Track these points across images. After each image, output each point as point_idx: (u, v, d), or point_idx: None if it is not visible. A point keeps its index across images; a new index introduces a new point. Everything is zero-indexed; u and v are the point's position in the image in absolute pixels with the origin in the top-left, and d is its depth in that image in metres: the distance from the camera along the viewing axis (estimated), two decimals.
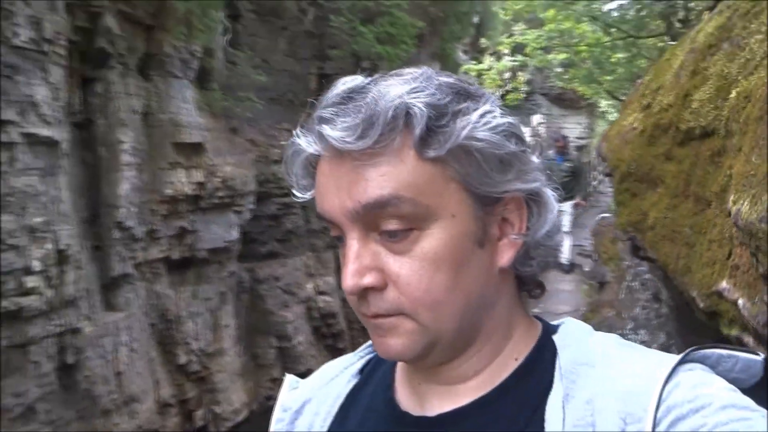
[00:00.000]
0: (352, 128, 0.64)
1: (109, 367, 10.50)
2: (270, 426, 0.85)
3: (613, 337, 0.73)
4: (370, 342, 0.86)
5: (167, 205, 11.48)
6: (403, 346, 0.69)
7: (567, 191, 8.32)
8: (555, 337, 0.74)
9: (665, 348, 2.36)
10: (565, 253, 8.13)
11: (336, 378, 0.87)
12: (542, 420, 0.67)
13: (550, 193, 0.73)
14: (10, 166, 7.88)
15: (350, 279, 0.65)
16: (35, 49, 7.99)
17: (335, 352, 14.46)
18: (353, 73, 0.73)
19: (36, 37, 7.96)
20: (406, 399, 0.79)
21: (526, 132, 29.40)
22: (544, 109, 30.70)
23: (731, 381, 0.62)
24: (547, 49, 12.73)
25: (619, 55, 9.62)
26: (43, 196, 8.57)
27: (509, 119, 0.68)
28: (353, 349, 1.04)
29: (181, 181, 11.33)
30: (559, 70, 13.57)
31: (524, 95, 26.24)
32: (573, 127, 30.41)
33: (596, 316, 4.82)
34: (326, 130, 0.64)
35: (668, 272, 1.85)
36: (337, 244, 0.73)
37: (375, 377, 0.85)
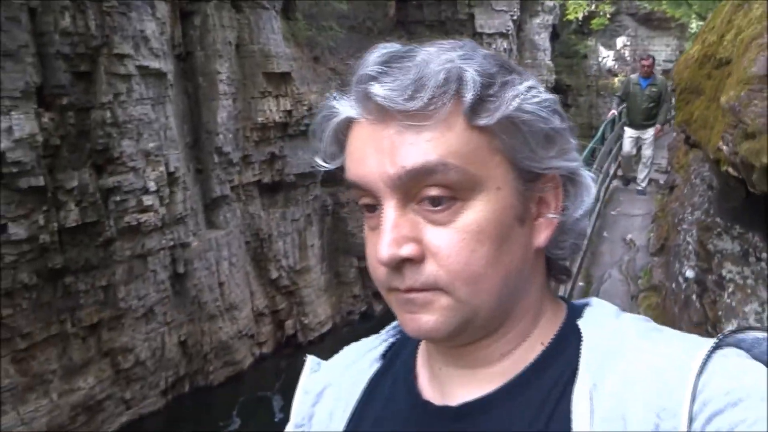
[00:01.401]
0: (402, 88, 0.59)
1: (213, 278, 11.74)
2: (291, 408, 0.83)
3: (641, 320, 0.68)
4: (392, 325, 0.85)
5: (259, 132, 12.30)
6: (437, 323, 0.63)
7: (650, 118, 8.19)
8: (580, 322, 0.70)
9: (708, 222, 2.85)
10: (642, 181, 8.25)
11: (358, 362, 0.82)
12: (568, 412, 0.62)
13: (587, 175, 0.70)
14: (128, 96, 8.78)
15: (387, 249, 0.61)
16: None
17: None
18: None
19: None
20: (427, 385, 0.74)
21: (611, 54, 27.88)
22: (631, 30, 29.09)
23: (767, 364, 0.59)
24: None
25: None
26: (155, 124, 9.50)
27: (553, 96, 0.67)
28: None
29: (271, 109, 12.06)
30: None
31: (609, 16, 25.04)
32: (661, 50, 28.77)
33: (664, 212, 5.42)
34: (374, 88, 0.60)
35: (702, 147, 2.58)
36: (364, 214, 0.68)
37: (397, 362, 0.80)
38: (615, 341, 0.66)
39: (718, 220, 2.85)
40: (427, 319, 0.64)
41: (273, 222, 13.44)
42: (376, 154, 0.63)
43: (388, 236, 0.62)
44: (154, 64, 9.10)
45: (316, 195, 14.52)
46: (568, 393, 0.64)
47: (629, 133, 8.39)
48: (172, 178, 10.03)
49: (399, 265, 0.63)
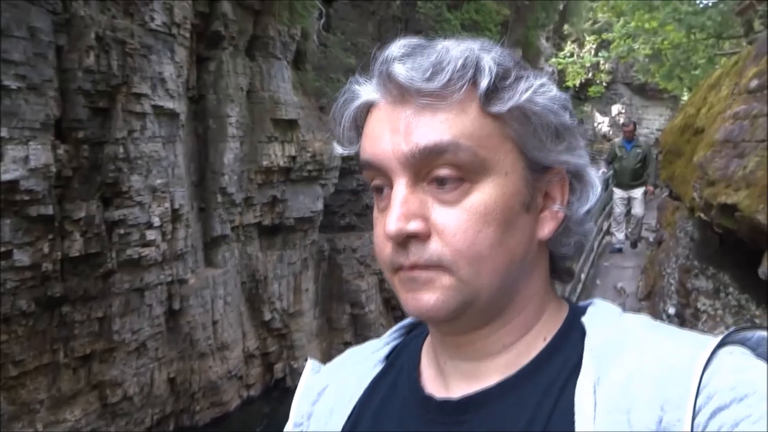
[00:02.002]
0: (422, 69, 0.62)
1: (207, 316, 11.78)
2: (291, 408, 0.83)
3: (644, 318, 0.68)
4: (395, 327, 0.86)
5: (262, 175, 12.59)
6: (438, 301, 0.64)
7: (637, 178, 8.59)
8: (584, 319, 0.70)
9: (688, 264, 3.37)
10: (633, 234, 8.64)
11: (361, 363, 0.82)
12: (571, 404, 0.62)
13: (593, 174, 0.71)
14: (141, 134, 9.09)
15: (395, 223, 0.62)
16: (166, 32, 9.12)
17: None
18: None
19: (167, 21, 9.09)
20: (431, 381, 0.74)
21: (606, 120, 28.80)
22: (626, 98, 30.14)
23: None
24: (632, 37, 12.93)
25: (700, 58, 9.80)
26: (164, 161, 9.78)
27: (565, 94, 0.69)
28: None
29: (276, 154, 12.40)
30: (641, 59, 13.62)
31: (605, 85, 25.97)
32: (654, 119, 29.76)
33: (652, 264, 5.91)
34: (396, 67, 0.62)
35: (682, 199, 3.20)
36: (375, 197, 0.69)
37: (400, 362, 0.79)
38: (619, 337, 0.65)
39: (695, 263, 3.26)
40: (429, 297, 0.65)
41: (270, 264, 13.59)
42: (392, 134, 0.65)
43: (396, 211, 0.63)
44: (169, 104, 9.46)
45: (314, 240, 14.72)
46: (571, 387, 0.64)
47: (618, 194, 8.76)
48: (176, 215, 10.25)
49: (405, 241, 0.64)
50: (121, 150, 8.80)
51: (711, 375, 0.58)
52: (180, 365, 11.43)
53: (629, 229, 8.63)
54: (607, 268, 8.29)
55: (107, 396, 10.09)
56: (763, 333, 0.64)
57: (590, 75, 23.08)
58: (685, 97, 15.12)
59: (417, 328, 0.84)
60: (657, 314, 4.30)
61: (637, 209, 8.36)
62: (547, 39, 27.58)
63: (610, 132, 28.30)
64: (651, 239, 8.80)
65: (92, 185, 8.76)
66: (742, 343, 0.63)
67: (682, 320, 3.48)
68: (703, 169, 2.51)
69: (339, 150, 0.75)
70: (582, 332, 0.69)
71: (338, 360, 0.89)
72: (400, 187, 0.65)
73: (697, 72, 10.16)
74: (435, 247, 0.64)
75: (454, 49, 0.64)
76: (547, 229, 0.70)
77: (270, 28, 11.70)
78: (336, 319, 15.65)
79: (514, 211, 0.66)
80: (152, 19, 8.80)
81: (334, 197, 15.33)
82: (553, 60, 20.32)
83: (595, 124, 29.25)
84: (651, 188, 8.37)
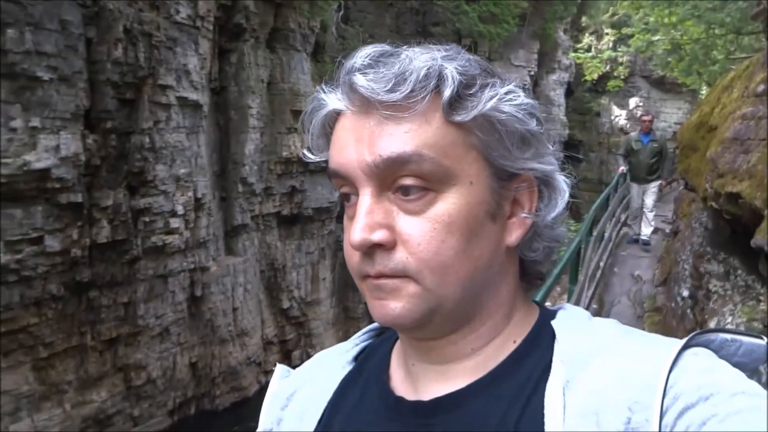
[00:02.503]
0: (384, 80, 0.62)
1: (227, 303, 12.07)
2: (260, 415, 0.84)
3: (613, 323, 0.70)
4: (365, 330, 0.87)
5: (282, 166, 12.82)
6: (403, 310, 0.65)
7: (652, 173, 8.62)
8: (554, 323, 0.71)
9: (701, 251, 3.65)
10: (646, 231, 8.68)
11: (330, 365, 0.82)
12: (541, 405, 0.63)
13: (562, 180, 0.72)
14: (166, 124, 9.34)
15: (359, 233, 0.63)
16: (191, 25, 9.34)
17: None
18: None
19: (192, 14, 9.30)
20: (400, 384, 0.75)
21: (623, 113, 28.54)
22: (644, 92, 29.92)
23: (734, 365, 0.62)
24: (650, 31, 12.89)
25: (719, 54, 9.79)
26: (188, 151, 10.03)
27: (532, 101, 0.70)
28: None
29: (296, 145, 12.61)
30: (660, 53, 13.56)
31: (623, 78, 25.85)
32: (672, 112, 29.51)
33: (668, 253, 6.55)
34: (358, 78, 0.63)
35: (696, 190, 3.50)
36: (345, 205, 0.70)
37: (370, 364, 0.80)
38: (589, 340, 0.67)
39: (708, 249, 3.52)
40: (395, 305, 0.65)
41: (288, 253, 13.83)
42: (356, 143, 0.65)
43: (361, 221, 0.64)
44: (193, 96, 9.69)
45: (331, 230, 14.95)
46: (541, 389, 0.65)
47: (635, 188, 8.82)
48: (198, 204, 10.50)
49: (371, 250, 0.65)
50: (147, 140, 9.05)
51: (677, 376, 0.60)
52: (201, 350, 11.74)
53: (645, 227, 8.68)
54: (625, 257, 8.53)
55: (132, 379, 10.42)
56: (726, 336, 0.66)
57: (608, 68, 23.01)
58: (704, 92, 15.08)
59: (387, 331, 0.84)
60: (672, 298, 4.61)
61: (649, 201, 8.41)
62: (565, 31, 27.46)
63: (628, 125, 28.15)
64: (667, 230, 8.92)
65: (119, 174, 9.03)
66: (706, 345, 0.65)
67: (695, 301, 3.83)
68: (714, 162, 2.83)
69: (309, 156, 0.75)
70: (552, 336, 0.70)
71: (307, 364, 0.87)
72: (365, 197, 0.65)
73: (715, 67, 10.16)
74: (400, 257, 0.65)
75: (417, 59, 0.65)
76: (515, 235, 0.71)
77: (290, 21, 11.88)
78: (352, 308, 15.87)
79: (479, 220, 0.67)
80: (177, 12, 9.01)
81: None
82: (573, 54, 20.29)
83: (612, 117, 29.12)
84: (663, 182, 8.39)
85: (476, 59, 0.69)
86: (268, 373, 13.77)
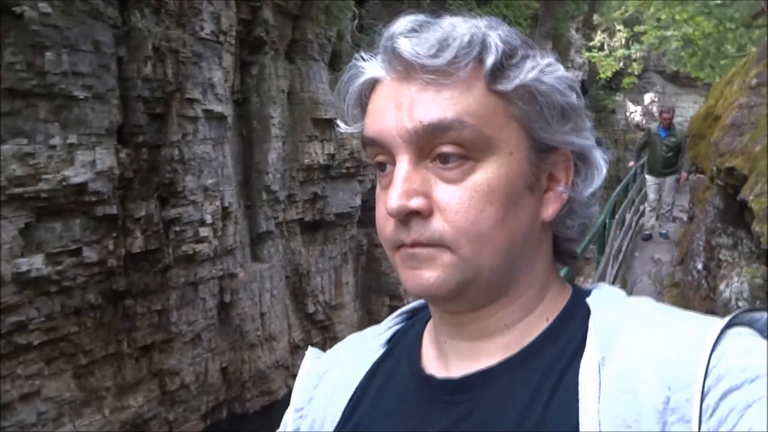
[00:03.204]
0: (427, 45, 0.61)
1: (255, 308, 12.39)
2: (292, 393, 0.84)
3: (649, 301, 0.69)
4: (397, 312, 0.87)
5: (304, 173, 13.14)
6: (438, 279, 0.64)
7: (668, 166, 8.72)
8: (588, 300, 0.70)
9: (712, 227, 4.18)
10: (662, 228, 8.85)
11: (362, 347, 0.82)
12: (574, 383, 0.62)
13: (599, 156, 0.71)
14: (194, 137, 9.69)
15: (397, 200, 0.61)
16: (214, 40, 9.69)
17: None
18: None
19: (215, 29, 9.65)
20: (432, 362, 0.74)
21: (638, 109, 28.46)
22: (658, 87, 29.90)
23: None
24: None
25: (730, 47, 9.94)
26: (214, 162, 10.37)
27: (571, 75, 0.69)
28: None
29: (317, 152, 12.94)
30: (673, 48, 13.63)
31: (637, 74, 25.90)
32: (688, 106, 29.44)
33: (686, 237, 7.15)
34: (401, 42, 0.61)
35: (705, 172, 4.07)
36: (377, 173, 0.69)
37: (402, 345, 0.80)
38: (624, 318, 0.65)
39: (719, 225, 3.97)
40: (429, 275, 0.65)
41: (312, 258, 14.13)
42: (396, 110, 0.64)
43: (398, 188, 0.63)
44: (218, 108, 10.03)
45: (353, 235, 15.23)
46: (574, 366, 0.64)
47: (651, 180, 8.96)
48: (225, 213, 10.82)
49: (406, 218, 0.64)
50: (176, 152, 9.39)
51: (720, 356, 0.57)
52: (231, 355, 12.06)
53: (663, 221, 8.84)
54: (645, 243, 9.01)
55: (166, 384, 10.76)
56: None
57: (622, 65, 23.09)
58: None
59: (419, 313, 0.84)
60: (688, 272, 5.10)
61: (667, 197, 8.55)
62: (577, 30, 27.57)
63: (643, 121, 28.15)
64: (684, 218, 9.30)
65: (151, 186, 9.38)
66: (750, 324, 0.62)
67: (708, 271, 4.32)
68: (716, 145, 3.52)
69: (343, 128, 0.74)
70: (585, 314, 0.69)
71: (339, 345, 0.87)
72: (403, 164, 0.64)
73: (727, 61, 10.30)
74: (437, 225, 0.64)
75: (461, 26, 0.64)
76: (551, 210, 0.70)
77: (308, 32, 12.20)
78: (375, 311, 16.10)
79: (518, 191, 0.66)
80: (202, 28, 9.36)
81: (372, 193, 15.80)
82: (586, 54, 20.39)
83: (628, 114, 29.12)
84: (685, 175, 8.49)
85: (516, 31, 0.68)
86: (296, 376, 14.03)
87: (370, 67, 0.67)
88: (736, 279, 3.64)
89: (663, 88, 28.94)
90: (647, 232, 9.23)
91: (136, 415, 10.30)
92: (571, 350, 0.66)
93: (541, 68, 0.65)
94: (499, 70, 0.64)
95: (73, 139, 7.97)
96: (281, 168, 12.28)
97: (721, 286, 3.65)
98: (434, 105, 0.62)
